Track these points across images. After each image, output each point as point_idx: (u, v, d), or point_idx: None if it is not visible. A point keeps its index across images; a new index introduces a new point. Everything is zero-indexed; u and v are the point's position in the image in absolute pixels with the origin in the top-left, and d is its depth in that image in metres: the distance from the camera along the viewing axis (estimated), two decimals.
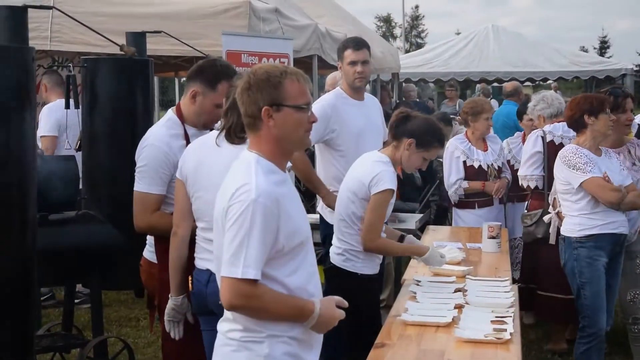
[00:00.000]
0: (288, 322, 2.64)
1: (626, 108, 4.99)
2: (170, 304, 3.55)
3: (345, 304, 2.81)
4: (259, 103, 2.61)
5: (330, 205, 4.81)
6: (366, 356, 3.24)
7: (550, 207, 5.28)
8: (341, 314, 2.77)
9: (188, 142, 3.73)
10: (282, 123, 2.63)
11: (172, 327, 3.59)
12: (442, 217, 8.10)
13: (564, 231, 4.80)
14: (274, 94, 2.61)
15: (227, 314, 2.69)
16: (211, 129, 3.77)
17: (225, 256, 2.53)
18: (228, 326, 2.68)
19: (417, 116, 4.22)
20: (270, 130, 2.63)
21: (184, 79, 7.79)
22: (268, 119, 2.62)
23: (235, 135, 3.17)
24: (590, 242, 4.65)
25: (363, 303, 4.12)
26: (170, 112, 3.85)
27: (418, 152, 4.12)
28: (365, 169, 4.14)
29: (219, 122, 3.49)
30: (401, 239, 4.37)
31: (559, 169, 4.75)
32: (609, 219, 4.63)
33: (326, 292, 4.40)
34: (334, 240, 4.30)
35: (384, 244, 4.20)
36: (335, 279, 4.23)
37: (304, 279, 2.68)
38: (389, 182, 4.04)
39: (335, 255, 4.25)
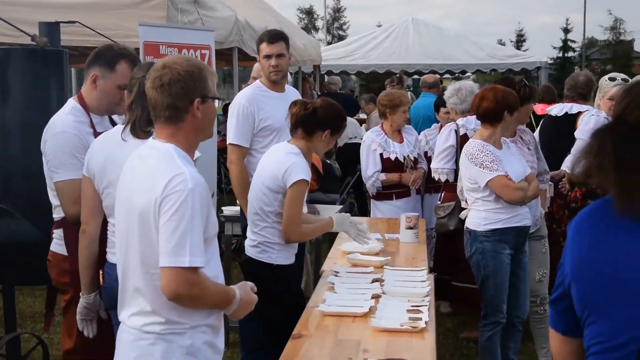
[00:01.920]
0: (214, 308, 2.70)
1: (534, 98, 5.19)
2: (82, 302, 3.51)
3: (255, 289, 2.87)
4: (190, 95, 2.66)
5: None
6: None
7: (464, 202, 5.38)
8: (256, 298, 2.84)
9: (94, 129, 3.72)
10: (206, 114, 2.71)
11: (85, 325, 3.54)
12: None
13: (470, 224, 4.87)
14: (205, 86, 2.69)
15: (142, 307, 2.67)
16: (113, 124, 3.76)
17: (167, 247, 2.53)
18: (144, 320, 2.67)
19: (320, 105, 4.25)
20: (194, 122, 2.69)
21: None
22: (197, 110, 2.67)
23: (140, 129, 3.17)
24: (495, 235, 4.73)
25: (281, 293, 4.20)
26: (73, 101, 3.81)
27: (333, 138, 4.27)
28: (278, 161, 4.16)
29: (124, 114, 3.47)
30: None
31: (466, 165, 4.81)
32: (513, 212, 4.72)
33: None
34: (249, 234, 4.33)
35: (304, 232, 4.27)
36: (252, 271, 4.26)
37: (217, 269, 2.74)
38: (302, 173, 4.09)
39: (251, 248, 4.27)
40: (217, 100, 2.80)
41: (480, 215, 4.80)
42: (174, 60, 2.71)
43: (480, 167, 4.70)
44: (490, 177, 4.67)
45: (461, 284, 5.80)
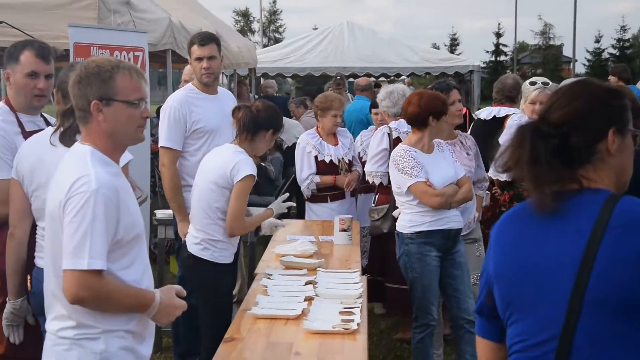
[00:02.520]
0: (130, 312, 2.64)
1: (454, 100, 5.21)
2: (8, 307, 3.44)
3: (184, 293, 2.84)
4: (88, 97, 2.61)
5: (183, 232, 4.77)
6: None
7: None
8: (182, 304, 2.80)
9: (23, 129, 3.69)
10: (112, 118, 2.63)
11: (11, 331, 3.48)
12: None
13: (398, 227, 4.91)
14: (104, 88, 2.61)
15: (58, 311, 2.64)
16: (48, 123, 3.72)
17: (68, 249, 2.50)
18: (59, 324, 2.63)
19: (262, 108, 4.43)
20: (100, 125, 2.63)
21: None
22: (97, 113, 2.62)
23: (69, 138, 3.12)
24: (420, 238, 4.76)
25: (220, 291, 4.31)
26: (1, 103, 3.82)
27: (273, 137, 4.44)
28: (225, 159, 4.28)
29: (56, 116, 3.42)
30: None
31: (391, 170, 4.87)
32: (438, 215, 4.75)
33: (182, 281, 4.62)
34: (191, 230, 4.41)
35: (247, 225, 4.39)
36: (193, 268, 4.36)
37: (139, 272, 2.69)
38: (250, 168, 4.23)
39: (193, 245, 4.35)
40: (145, 103, 2.73)
41: (406, 218, 4.84)
42: (90, 61, 2.69)
43: (401, 172, 4.75)
44: (410, 183, 4.71)
45: (395, 285, 5.84)
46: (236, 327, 3.49)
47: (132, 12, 7.50)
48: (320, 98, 6.42)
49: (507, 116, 5.94)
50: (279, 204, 4.68)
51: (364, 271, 5.15)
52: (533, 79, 5.94)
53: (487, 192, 5.50)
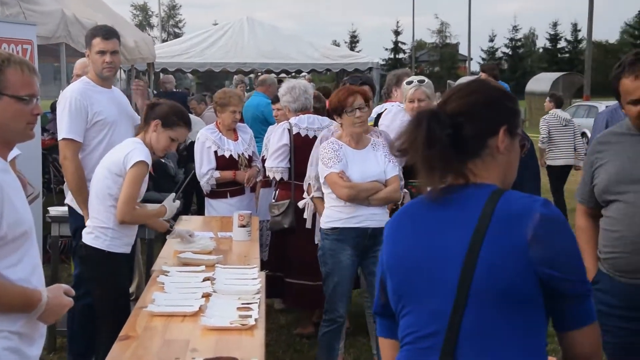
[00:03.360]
0: (14, 312, 2.56)
1: None
2: None
3: (73, 292, 2.78)
4: None
5: None
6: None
7: (305, 192, 5.43)
8: (69, 302, 2.74)
9: None
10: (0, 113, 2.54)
11: None
12: None
13: (320, 221, 4.96)
14: None
15: None
16: None
17: None
18: None
19: (165, 102, 4.52)
20: None
21: None
22: None
23: None
24: (334, 234, 4.78)
25: (115, 282, 4.31)
26: None
27: (164, 132, 4.38)
28: (121, 147, 4.35)
29: None
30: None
31: (319, 162, 4.91)
32: (353, 213, 4.75)
33: (78, 280, 4.76)
34: (87, 222, 4.43)
35: (137, 214, 4.37)
36: (87, 258, 4.38)
37: (27, 271, 2.61)
38: (142, 155, 4.24)
39: (86, 235, 4.36)
40: (36, 99, 2.64)
41: (325, 212, 4.89)
42: None
43: (321, 162, 4.82)
44: (326, 173, 4.77)
45: (294, 281, 5.85)
46: (131, 325, 3.41)
47: (22, 3, 7.28)
48: (219, 94, 6.37)
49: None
50: (170, 203, 4.63)
51: (263, 266, 5.14)
52: (410, 78, 5.96)
53: (405, 190, 5.53)
